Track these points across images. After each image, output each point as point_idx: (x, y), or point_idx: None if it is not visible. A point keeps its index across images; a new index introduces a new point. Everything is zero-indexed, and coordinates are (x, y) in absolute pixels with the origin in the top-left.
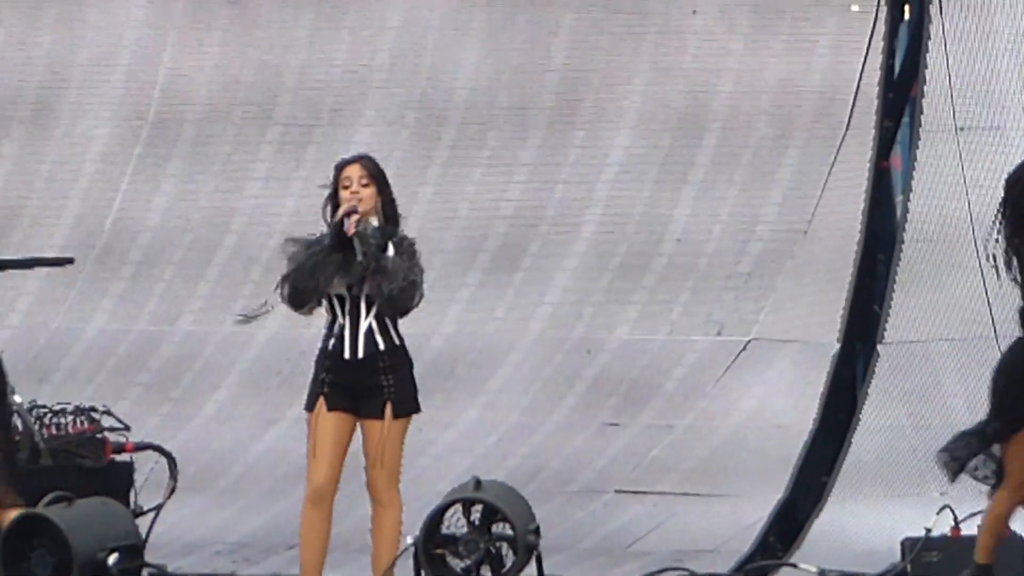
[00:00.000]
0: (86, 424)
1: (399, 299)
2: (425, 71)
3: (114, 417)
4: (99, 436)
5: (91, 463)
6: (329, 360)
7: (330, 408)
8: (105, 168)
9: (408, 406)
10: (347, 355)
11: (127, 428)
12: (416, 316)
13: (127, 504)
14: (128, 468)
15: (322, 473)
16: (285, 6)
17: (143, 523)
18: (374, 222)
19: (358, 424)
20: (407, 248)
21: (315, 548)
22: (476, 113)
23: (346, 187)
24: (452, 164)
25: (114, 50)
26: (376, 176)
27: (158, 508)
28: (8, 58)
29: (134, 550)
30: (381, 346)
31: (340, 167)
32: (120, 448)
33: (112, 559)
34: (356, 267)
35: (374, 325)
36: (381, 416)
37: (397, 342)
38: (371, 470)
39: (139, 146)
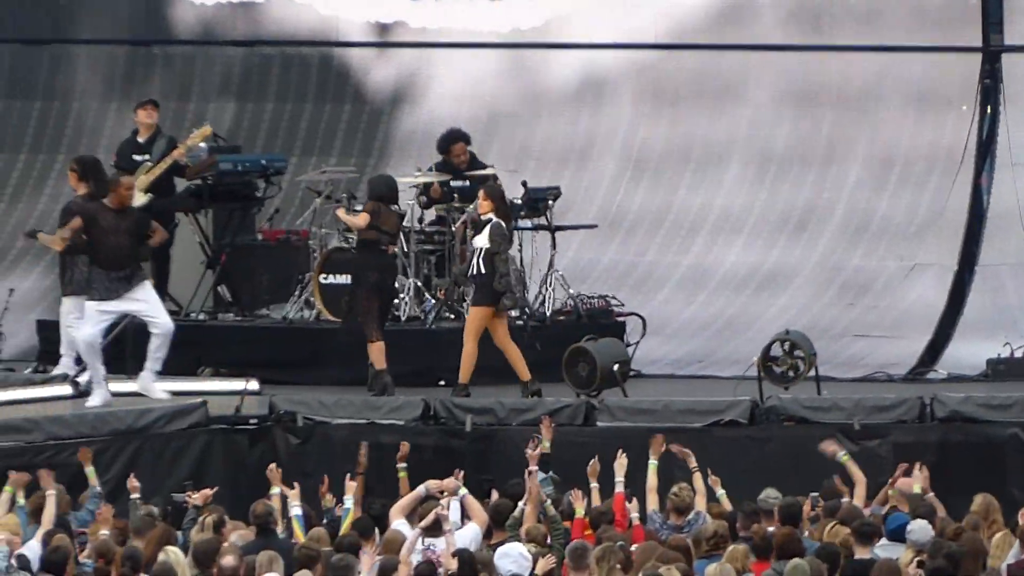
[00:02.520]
0: (604, 303)
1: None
2: None
3: (617, 299)
4: (609, 308)
5: (605, 320)
6: None
7: None
8: None
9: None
10: None
11: (622, 304)
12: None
13: (623, 340)
14: (622, 324)
15: None
16: None
17: (630, 350)
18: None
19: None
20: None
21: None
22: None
23: None
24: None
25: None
26: (489, 195)
27: (636, 344)
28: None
29: (626, 363)
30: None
31: None
32: (618, 313)
33: (615, 367)
34: None
35: None
36: None
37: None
38: None
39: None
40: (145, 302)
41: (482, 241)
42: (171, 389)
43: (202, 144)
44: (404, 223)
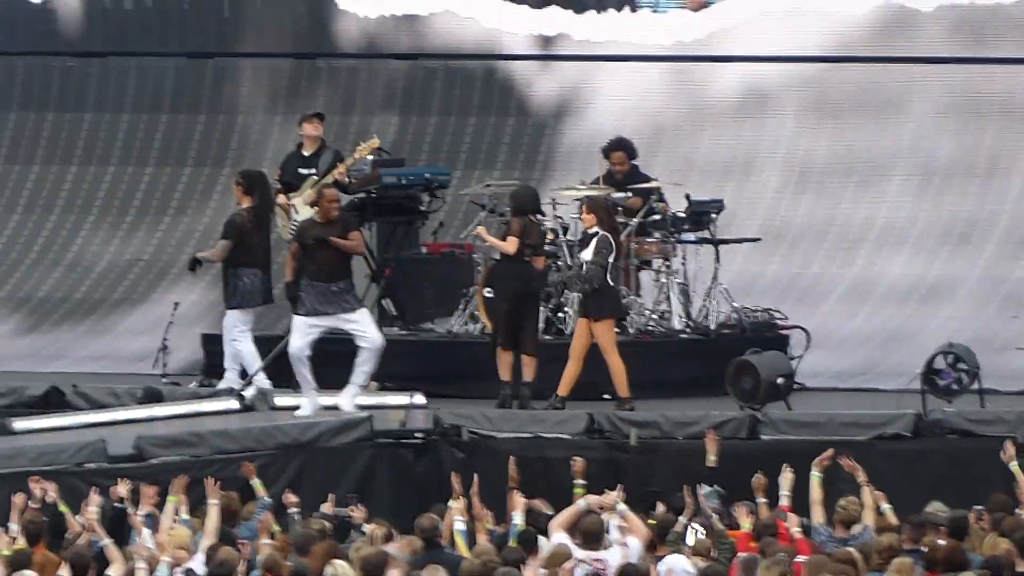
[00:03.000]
0: (767, 316)
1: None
2: None
3: (780, 313)
4: (773, 321)
5: (769, 334)
6: None
7: None
8: None
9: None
10: None
11: (786, 317)
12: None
13: (786, 353)
14: (786, 337)
15: None
16: None
17: (794, 363)
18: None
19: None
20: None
21: None
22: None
23: None
24: None
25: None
26: (592, 209)
27: (800, 357)
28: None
29: (790, 376)
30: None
31: None
32: (782, 326)
33: (779, 380)
34: None
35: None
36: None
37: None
38: None
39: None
40: (356, 322)
41: (588, 254)
42: (336, 403)
43: (368, 157)
44: (568, 236)
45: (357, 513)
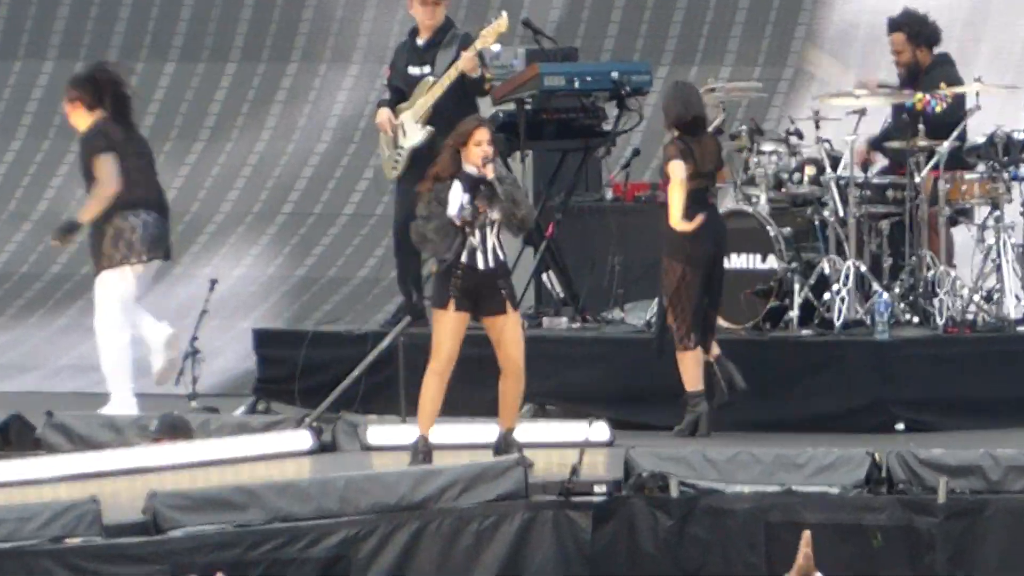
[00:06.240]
0: None
1: (527, 221)
2: None
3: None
4: None
5: None
6: (461, 269)
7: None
8: None
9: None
10: (480, 266)
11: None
12: None
13: None
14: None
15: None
16: None
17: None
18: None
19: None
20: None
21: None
22: None
23: (478, 144)
24: None
25: None
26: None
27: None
28: None
29: None
30: (502, 258)
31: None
32: None
33: None
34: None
35: (496, 243)
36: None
37: (502, 257)
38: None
39: None
40: None
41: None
42: (465, 441)
43: (520, 50)
44: (841, 170)
45: None
